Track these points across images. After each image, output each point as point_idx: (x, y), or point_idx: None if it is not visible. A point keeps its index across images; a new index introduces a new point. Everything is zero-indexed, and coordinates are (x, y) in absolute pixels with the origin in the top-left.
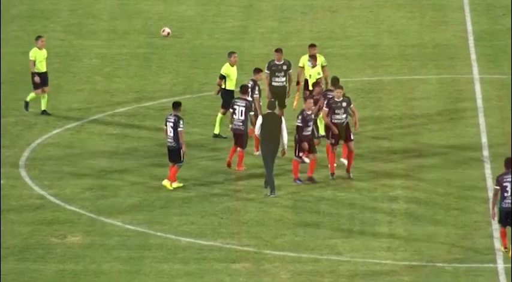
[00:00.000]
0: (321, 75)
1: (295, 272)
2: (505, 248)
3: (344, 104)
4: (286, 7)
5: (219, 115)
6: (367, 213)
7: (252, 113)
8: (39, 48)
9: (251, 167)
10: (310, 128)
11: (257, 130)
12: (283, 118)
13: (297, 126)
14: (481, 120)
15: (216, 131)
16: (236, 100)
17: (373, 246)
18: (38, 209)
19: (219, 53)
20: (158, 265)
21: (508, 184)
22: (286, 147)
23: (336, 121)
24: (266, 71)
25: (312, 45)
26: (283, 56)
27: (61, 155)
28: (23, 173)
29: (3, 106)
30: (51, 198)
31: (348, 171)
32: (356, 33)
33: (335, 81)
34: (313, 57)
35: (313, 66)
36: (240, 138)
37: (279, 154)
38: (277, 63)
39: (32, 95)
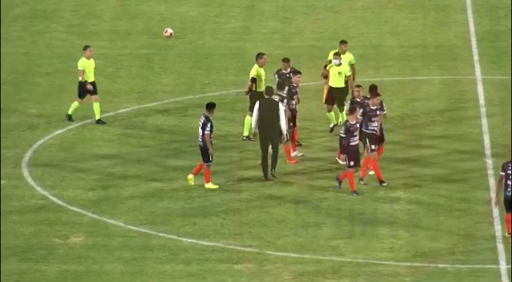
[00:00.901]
0: (349, 73)
1: (297, 272)
2: (509, 233)
3: (379, 113)
4: (288, 8)
5: (247, 117)
6: (369, 214)
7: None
8: (87, 58)
9: (254, 168)
10: (356, 138)
11: (254, 120)
12: (280, 104)
13: (341, 137)
14: (484, 121)
15: (245, 133)
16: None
17: (375, 247)
18: (41, 209)
19: (221, 54)
20: (160, 266)
21: None
22: (285, 132)
23: (371, 129)
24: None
25: (342, 42)
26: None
27: (63, 155)
28: (26, 173)
29: (5, 107)
30: (54, 199)
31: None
32: (358, 33)
33: (373, 89)
34: (338, 55)
35: (339, 64)
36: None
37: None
38: (284, 72)
39: (74, 104)
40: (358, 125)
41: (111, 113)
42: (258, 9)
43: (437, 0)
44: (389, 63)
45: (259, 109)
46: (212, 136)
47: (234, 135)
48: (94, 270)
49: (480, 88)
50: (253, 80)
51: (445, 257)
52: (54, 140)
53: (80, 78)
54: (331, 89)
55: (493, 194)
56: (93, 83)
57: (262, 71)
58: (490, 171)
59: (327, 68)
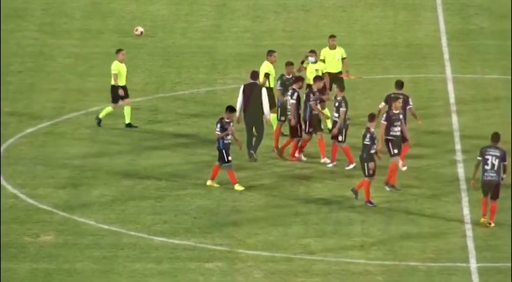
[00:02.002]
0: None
1: (268, 271)
2: (484, 215)
3: (401, 116)
4: (260, 6)
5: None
6: (340, 213)
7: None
8: (120, 61)
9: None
10: (375, 146)
11: (238, 104)
12: (264, 89)
13: (364, 144)
14: (454, 119)
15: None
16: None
17: (346, 246)
18: (11, 208)
19: (192, 52)
20: (131, 264)
21: (489, 157)
22: (268, 117)
23: (392, 134)
24: (278, 87)
25: (331, 37)
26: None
27: (34, 154)
28: None
29: None
30: (24, 197)
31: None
32: (329, 32)
33: (399, 85)
34: (314, 52)
35: (315, 61)
36: (294, 128)
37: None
38: (287, 77)
39: (108, 109)
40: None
41: (82, 112)
42: (229, 7)
43: None
44: (360, 62)
45: (243, 93)
46: (226, 137)
47: (204, 133)
48: (65, 269)
49: (450, 86)
50: (267, 75)
51: (416, 255)
52: (25, 139)
53: (113, 82)
54: (308, 86)
55: (463, 191)
56: (124, 87)
57: (272, 68)
58: (461, 170)
59: (303, 64)
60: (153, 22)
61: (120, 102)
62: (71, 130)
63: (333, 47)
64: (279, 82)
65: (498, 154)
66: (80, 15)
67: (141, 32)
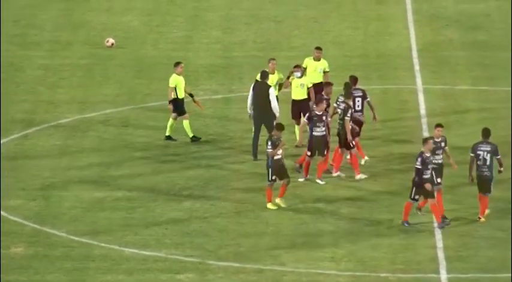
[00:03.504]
0: (310, 85)
1: None
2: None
3: (443, 144)
4: (231, 17)
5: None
6: (311, 224)
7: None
8: (178, 74)
9: (195, 178)
10: (429, 171)
11: (248, 102)
12: (271, 88)
13: (416, 168)
14: (425, 130)
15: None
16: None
17: (317, 257)
18: None
19: (163, 64)
20: (102, 276)
21: (481, 152)
22: (277, 114)
23: (434, 162)
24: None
25: (316, 48)
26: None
27: (5, 165)
28: None
29: None
30: None
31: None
32: (301, 43)
33: (353, 81)
34: (299, 67)
35: (300, 76)
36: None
37: None
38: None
39: (170, 122)
40: (434, 160)
41: (52, 123)
42: (201, 18)
43: (379, 10)
44: (331, 73)
45: (253, 91)
46: (276, 154)
47: (176, 145)
48: (35, 281)
49: (421, 97)
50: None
51: (387, 266)
52: None
53: (170, 97)
54: (294, 102)
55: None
56: (182, 100)
57: (272, 77)
58: None
59: (289, 79)
60: (125, 33)
61: (174, 115)
62: (42, 142)
63: (317, 59)
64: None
65: (489, 148)
66: (51, 26)
67: (112, 44)
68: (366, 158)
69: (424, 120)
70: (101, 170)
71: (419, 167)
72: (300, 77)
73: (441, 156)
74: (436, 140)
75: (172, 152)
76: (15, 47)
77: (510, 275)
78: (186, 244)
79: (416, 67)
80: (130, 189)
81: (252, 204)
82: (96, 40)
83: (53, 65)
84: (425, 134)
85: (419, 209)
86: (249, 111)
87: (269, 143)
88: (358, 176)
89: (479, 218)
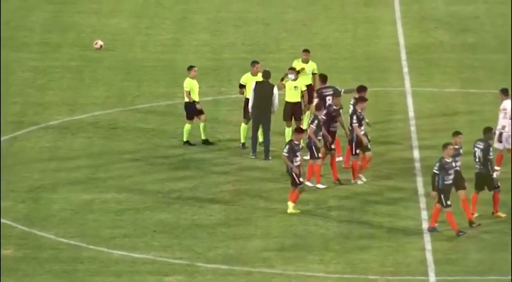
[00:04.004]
0: (304, 88)
1: None
2: (472, 212)
3: (453, 164)
4: (220, 20)
5: (242, 126)
6: (300, 226)
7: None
8: (192, 78)
9: (185, 179)
10: (451, 176)
11: (250, 101)
12: (275, 88)
13: (434, 173)
14: (413, 132)
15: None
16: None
17: (306, 259)
18: None
19: (152, 66)
20: (91, 278)
21: (476, 150)
22: (275, 109)
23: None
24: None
25: (304, 51)
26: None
27: None
28: None
29: None
30: None
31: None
32: (289, 46)
33: (323, 79)
34: (293, 69)
35: (295, 78)
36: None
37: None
38: (335, 108)
39: (186, 127)
40: (454, 164)
41: (41, 125)
42: (190, 21)
43: (367, 13)
44: None
45: (255, 90)
46: (295, 160)
47: (165, 146)
48: None
49: (410, 100)
50: (242, 86)
51: (376, 268)
52: None
53: (187, 99)
54: (287, 104)
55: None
56: (198, 103)
57: (253, 79)
58: (420, 183)
59: (283, 81)
60: (113, 35)
61: (195, 119)
62: (31, 144)
63: (305, 61)
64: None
65: (482, 146)
66: (40, 28)
67: (101, 46)
68: (341, 158)
69: (412, 123)
70: (90, 172)
71: (437, 172)
72: (294, 79)
73: (459, 163)
74: (456, 146)
75: (162, 154)
76: (4, 48)
77: (497, 277)
78: (175, 246)
79: (405, 69)
80: (119, 191)
81: (241, 207)
82: (85, 42)
83: (42, 67)
84: (414, 136)
85: (472, 222)
86: (250, 111)
87: (287, 148)
88: (354, 180)
89: (495, 213)
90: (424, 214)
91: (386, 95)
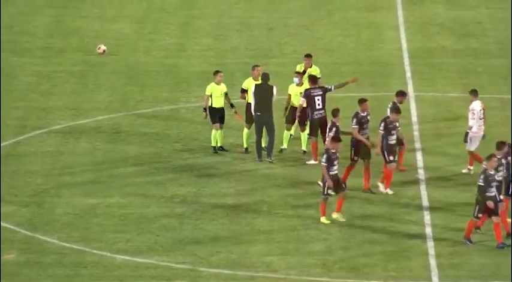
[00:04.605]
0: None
1: None
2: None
3: (503, 161)
4: (223, 25)
5: (245, 130)
6: (303, 231)
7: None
8: (217, 84)
9: (188, 184)
10: (493, 189)
11: (252, 104)
12: (275, 88)
13: (479, 185)
14: (416, 137)
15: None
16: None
17: (309, 263)
18: None
19: (155, 71)
20: None
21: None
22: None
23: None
24: (354, 125)
25: (306, 56)
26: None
27: None
28: None
29: None
30: None
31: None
32: (292, 50)
33: (314, 81)
34: (299, 74)
35: (300, 83)
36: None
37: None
38: (363, 115)
39: (213, 133)
40: (497, 177)
41: (45, 130)
42: (193, 26)
43: (370, 18)
44: (322, 80)
45: (254, 93)
46: (332, 170)
47: (168, 151)
48: None
49: (413, 105)
50: (243, 90)
51: (379, 273)
52: None
53: (205, 105)
54: (292, 108)
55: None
56: (221, 109)
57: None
58: (423, 187)
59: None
60: (117, 40)
61: (216, 125)
62: (34, 148)
63: (309, 66)
64: (354, 120)
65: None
66: (43, 33)
67: (104, 50)
68: (316, 162)
69: (415, 127)
70: (93, 177)
71: (482, 184)
72: (299, 83)
73: (502, 173)
74: (498, 157)
75: (165, 159)
76: (7, 53)
77: None
78: (178, 251)
79: (408, 74)
80: (122, 195)
81: (244, 211)
82: (88, 47)
83: (45, 71)
84: (417, 142)
85: (478, 227)
86: (254, 113)
87: (324, 157)
88: (383, 189)
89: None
90: (427, 219)
91: (389, 99)
